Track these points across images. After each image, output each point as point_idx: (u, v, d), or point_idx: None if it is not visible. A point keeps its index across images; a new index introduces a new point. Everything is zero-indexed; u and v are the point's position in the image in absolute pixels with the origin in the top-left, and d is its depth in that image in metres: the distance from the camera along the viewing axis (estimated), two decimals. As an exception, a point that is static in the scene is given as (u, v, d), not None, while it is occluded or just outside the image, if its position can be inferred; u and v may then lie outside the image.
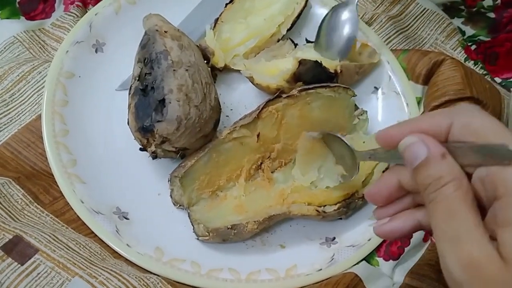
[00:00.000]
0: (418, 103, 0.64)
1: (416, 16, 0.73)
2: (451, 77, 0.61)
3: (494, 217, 0.33)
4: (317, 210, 0.54)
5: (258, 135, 0.56)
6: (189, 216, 0.55)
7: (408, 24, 0.73)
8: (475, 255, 0.31)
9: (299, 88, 0.57)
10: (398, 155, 0.38)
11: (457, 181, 0.34)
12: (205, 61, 0.59)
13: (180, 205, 0.56)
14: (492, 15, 0.72)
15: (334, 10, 0.65)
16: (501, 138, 0.33)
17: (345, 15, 0.64)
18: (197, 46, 0.57)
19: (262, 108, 0.56)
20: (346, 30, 0.64)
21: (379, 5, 0.74)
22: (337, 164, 0.55)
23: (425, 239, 0.57)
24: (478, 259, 0.31)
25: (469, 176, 0.35)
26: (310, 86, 0.57)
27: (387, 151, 0.41)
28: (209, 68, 0.59)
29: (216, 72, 0.64)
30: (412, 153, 0.35)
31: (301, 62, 0.58)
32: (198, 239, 0.54)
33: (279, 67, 0.61)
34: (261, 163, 0.57)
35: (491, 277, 0.31)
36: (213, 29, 0.63)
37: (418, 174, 0.35)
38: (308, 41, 0.67)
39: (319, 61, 0.59)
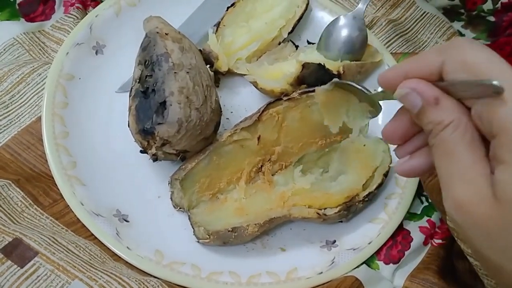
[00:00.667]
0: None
1: (416, 20, 0.73)
2: None
3: (493, 154, 0.32)
4: (318, 213, 0.54)
5: (258, 138, 0.56)
6: (189, 218, 0.54)
7: (408, 28, 0.73)
8: (466, 195, 0.32)
9: (300, 91, 0.57)
10: None
11: (455, 122, 0.33)
12: (209, 66, 0.59)
13: (180, 208, 0.56)
14: (492, 18, 0.72)
15: (341, 18, 0.66)
16: (497, 72, 0.32)
17: (352, 22, 0.65)
18: (200, 50, 0.57)
19: (263, 111, 0.56)
20: (351, 33, 0.65)
21: (379, 8, 0.74)
22: (361, 102, 0.51)
23: (425, 243, 0.57)
24: (470, 199, 0.32)
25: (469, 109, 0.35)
26: (311, 89, 0.57)
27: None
28: (213, 72, 0.59)
29: (219, 76, 0.64)
30: (409, 103, 0.35)
31: (305, 66, 0.58)
32: (198, 242, 0.54)
33: (282, 71, 0.61)
34: (261, 166, 0.57)
35: (481, 216, 0.31)
36: (215, 33, 0.63)
37: (420, 121, 0.36)
38: (309, 43, 0.68)
39: (322, 64, 0.59)
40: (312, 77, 0.59)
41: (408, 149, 0.40)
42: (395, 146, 0.41)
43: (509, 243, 0.31)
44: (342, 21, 0.65)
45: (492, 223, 0.31)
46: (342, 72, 0.61)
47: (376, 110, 0.50)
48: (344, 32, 0.65)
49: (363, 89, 0.47)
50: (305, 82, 0.59)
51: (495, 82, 0.31)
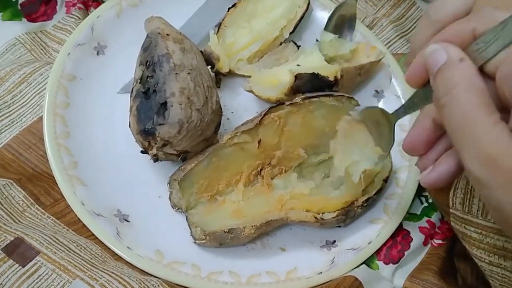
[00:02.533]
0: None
1: (417, 20, 0.73)
2: None
3: None
4: (316, 217, 0.54)
5: (259, 141, 0.56)
6: (187, 219, 0.55)
7: (409, 28, 0.73)
8: (492, 150, 0.31)
9: (303, 96, 0.57)
10: (428, 94, 0.37)
11: (475, 84, 0.33)
12: (210, 67, 0.59)
13: (178, 208, 0.56)
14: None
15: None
16: None
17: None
18: (201, 51, 0.57)
19: (264, 115, 0.56)
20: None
21: (380, 8, 0.74)
22: (376, 146, 0.51)
23: (425, 243, 0.57)
24: (496, 153, 0.31)
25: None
26: (314, 95, 0.57)
27: (417, 93, 0.39)
28: (214, 73, 0.59)
29: (220, 77, 0.64)
30: (433, 60, 0.34)
31: (297, 77, 0.57)
32: (195, 242, 0.54)
33: (279, 77, 0.60)
34: (261, 169, 0.57)
35: (510, 168, 0.31)
36: (216, 34, 0.63)
37: (435, 80, 0.35)
38: (318, 40, 0.67)
39: (316, 73, 0.58)
40: (307, 86, 0.58)
41: (431, 157, 0.39)
42: (416, 158, 0.41)
43: None
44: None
45: None
46: (339, 77, 0.59)
47: (387, 148, 0.49)
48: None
49: (384, 110, 0.48)
50: (300, 91, 0.58)
51: None
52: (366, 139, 0.52)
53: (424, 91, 0.38)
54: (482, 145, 0.31)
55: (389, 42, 0.71)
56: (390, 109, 0.63)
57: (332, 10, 0.67)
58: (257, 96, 0.61)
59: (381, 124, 0.49)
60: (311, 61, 0.62)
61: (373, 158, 0.52)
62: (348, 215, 0.55)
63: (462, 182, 0.50)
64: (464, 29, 0.35)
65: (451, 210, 0.50)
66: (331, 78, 0.59)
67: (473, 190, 0.48)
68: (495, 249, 0.46)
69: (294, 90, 0.58)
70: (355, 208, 0.55)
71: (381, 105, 0.65)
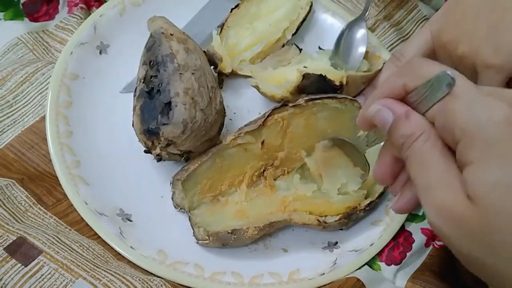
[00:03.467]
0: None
1: (417, 23, 0.73)
2: None
3: (459, 158, 0.33)
4: (318, 220, 0.54)
5: (262, 143, 0.56)
6: (189, 219, 0.55)
7: (409, 32, 0.73)
8: (444, 200, 0.33)
9: (306, 98, 0.57)
10: (377, 134, 0.41)
11: (426, 133, 0.35)
12: (213, 67, 0.59)
13: (181, 208, 0.56)
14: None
15: (349, 26, 0.67)
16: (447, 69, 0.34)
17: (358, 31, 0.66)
18: (204, 52, 0.58)
19: (268, 116, 0.56)
20: (358, 44, 0.66)
21: (382, 10, 0.74)
22: (356, 166, 0.55)
23: (426, 245, 0.57)
24: (449, 202, 0.32)
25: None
26: (317, 96, 0.57)
27: (373, 131, 0.43)
28: (217, 74, 0.59)
29: (223, 77, 0.64)
30: (380, 120, 0.37)
31: (305, 76, 0.57)
32: (198, 243, 0.54)
33: (285, 76, 0.61)
34: (264, 170, 0.57)
35: (461, 217, 0.32)
36: (219, 35, 0.63)
37: (391, 137, 0.37)
38: (320, 49, 0.68)
39: (323, 75, 0.58)
40: (313, 87, 0.58)
41: (398, 185, 0.41)
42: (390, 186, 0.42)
43: (497, 242, 0.31)
44: (361, 33, 0.66)
45: (473, 224, 0.31)
46: (345, 83, 0.60)
47: (366, 173, 0.53)
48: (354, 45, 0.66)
49: (351, 142, 0.52)
50: (305, 91, 0.59)
51: (442, 71, 0.33)
52: (346, 162, 0.55)
53: (374, 132, 0.43)
54: (437, 194, 0.33)
55: (391, 45, 0.71)
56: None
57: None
58: (261, 93, 0.61)
59: (355, 155, 0.53)
60: (318, 64, 0.62)
61: (357, 177, 0.55)
62: (351, 219, 0.55)
63: None
64: (396, 86, 0.37)
65: None
66: (337, 83, 0.59)
67: None
68: None
69: (300, 90, 0.58)
70: (358, 212, 0.55)
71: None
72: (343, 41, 0.66)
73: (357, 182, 0.55)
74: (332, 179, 0.56)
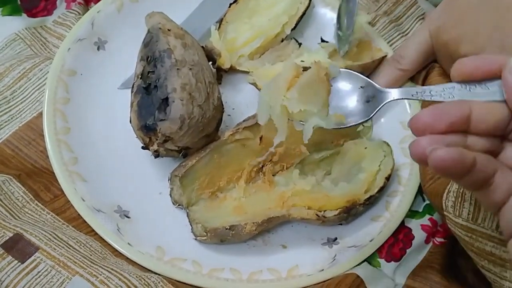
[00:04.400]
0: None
1: (416, 19, 0.73)
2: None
3: None
4: (317, 215, 0.54)
5: (260, 138, 0.56)
6: (187, 215, 0.54)
7: (408, 28, 0.72)
8: None
9: None
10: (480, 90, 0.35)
11: None
12: (211, 62, 0.58)
13: (179, 205, 0.55)
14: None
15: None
16: None
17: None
18: (202, 47, 0.57)
19: (266, 111, 0.55)
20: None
21: (382, 4, 0.73)
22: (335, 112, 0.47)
23: (427, 241, 0.57)
24: None
25: None
26: None
27: (463, 85, 0.37)
28: (215, 69, 0.59)
29: (222, 73, 0.63)
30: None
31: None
32: (196, 239, 0.53)
33: None
34: (262, 166, 0.57)
35: None
36: (218, 30, 0.63)
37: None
38: (323, 41, 0.67)
39: None
40: None
41: (446, 140, 0.35)
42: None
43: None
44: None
45: None
46: None
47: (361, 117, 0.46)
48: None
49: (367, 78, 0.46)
50: None
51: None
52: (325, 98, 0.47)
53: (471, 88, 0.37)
54: None
55: (390, 41, 0.71)
56: (392, 108, 0.64)
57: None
58: (259, 89, 0.61)
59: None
60: (315, 58, 0.61)
61: (328, 119, 0.47)
62: (350, 213, 0.55)
63: (455, 186, 0.50)
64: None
65: (444, 213, 0.50)
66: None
67: (465, 194, 0.48)
68: (484, 254, 0.46)
69: None
70: (357, 206, 0.55)
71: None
72: (342, 12, 0.66)
73: (326, 122, 0.47)
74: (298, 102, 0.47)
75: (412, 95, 0.41)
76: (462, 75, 0.37)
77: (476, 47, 0.50)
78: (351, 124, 0.46)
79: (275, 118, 0.48)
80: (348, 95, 0.47)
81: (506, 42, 0.49)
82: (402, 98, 0.43)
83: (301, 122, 0.48)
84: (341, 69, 0.48)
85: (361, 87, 0.47)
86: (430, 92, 0.39)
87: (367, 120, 0.46)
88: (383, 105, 0.44)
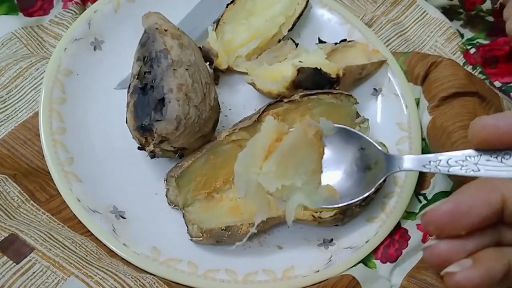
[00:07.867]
0: (417, 104, 0.64)
1: (416, 19, 0.73)
2: (454, 74, 0.60)
3: None
4: (313, 216, 0.54)
5: None
6: (183, 216, 0.54)
7: (408, 27, 0.72)
8: None
9: (301, 94, 0.57)
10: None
11: None
12: (208, 63, 0.58)
13: (175, 205, 0.55)
14: (490, 18, 0.72)
15: None
16: None
17: None
18: (199, 48, 0.57)
19: (263, 112, 0.55)
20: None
21: (379, 5, 0.73)
22: (328, 184, 0.41)
23: (423, 242, 0.57)
24: None
25: None
26: (312, 92, 0.57)
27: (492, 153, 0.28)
28: (212, 70, 0.59)
29: (219, 74, 0.63)
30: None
31: (300, 70, 0.57)
32: (191, 240, 0.53)
33: (281, 72, 0.60)
34: (259, 167, 0.57)
35: None
36: (215, 30, 0.62)
37: None
38: (320, 41, 0.67)
39: (318, 68, 0.58)
40: (309, 81, 0.58)
41: (467, 246, 0.29)
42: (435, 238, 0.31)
43: None
44: None
45: None
46: (342, 75, 0.59)
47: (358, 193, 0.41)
48: None
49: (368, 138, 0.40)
50: (301, 86, 0.58)
51: None
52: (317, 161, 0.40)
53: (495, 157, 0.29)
54: None
55: (388, 41, 0.71)
56: (389, 109, 0.64)
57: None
58: (258, 89, 0.61)
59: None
60: (313, 58, 0.62)
61: (318, 194, 0.40)
62: (346, 214, 0.55)
63: None
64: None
65: None
66: (333, 75, 0.59)
67: None
68: None
69: (296, 84, 0.58)
70: (353, 207, 0.55)
71: (379, 103, 0.65)
72: None
73: (313, 200, 0.41)
74: (284, 171, 0.41)
75: (424, 166, 0.33)
76: (484, 142, 0.29)
77: None
78: (343, 204, 0.41)
79: (251, 196, 0.41)
80: (345, 159, 0.41)
81: None
82: (412, 170, 0.35)
83: (283, 199, 0.40)
84: (336, 125, 0.40)
85: (361, 148, 0.40)
86: (448, 162, 0.32)
87: (364, 203, 0.39)
88: (387, 176, 0.36)
